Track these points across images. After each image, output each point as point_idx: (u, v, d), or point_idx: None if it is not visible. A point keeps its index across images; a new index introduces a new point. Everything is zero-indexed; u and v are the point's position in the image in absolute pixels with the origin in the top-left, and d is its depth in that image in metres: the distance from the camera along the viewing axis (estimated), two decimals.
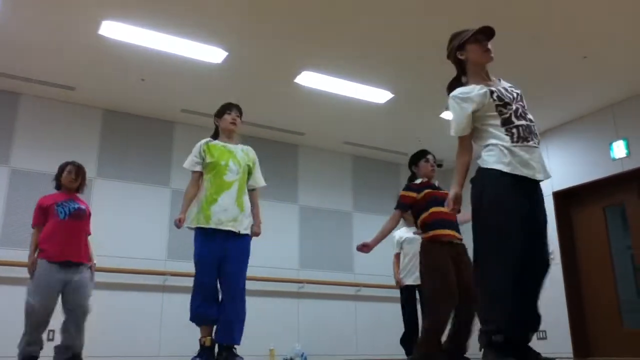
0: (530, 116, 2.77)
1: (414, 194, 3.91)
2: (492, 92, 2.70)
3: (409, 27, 4.72)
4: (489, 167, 2.70)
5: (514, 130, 2.68)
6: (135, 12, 4.52)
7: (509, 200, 2.63)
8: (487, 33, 2.78)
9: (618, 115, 6.14)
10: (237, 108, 4.03)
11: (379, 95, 5.93)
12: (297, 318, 6.66)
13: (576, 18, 4.60)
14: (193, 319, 3.64)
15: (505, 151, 2.68)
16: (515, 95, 2.78)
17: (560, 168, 6.69)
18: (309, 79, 5.58)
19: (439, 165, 7.52)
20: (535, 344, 2.76)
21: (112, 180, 6.10)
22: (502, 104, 2.69)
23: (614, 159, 6.10)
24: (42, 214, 4.12)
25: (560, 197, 6.69)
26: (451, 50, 2.91)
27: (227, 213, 3.64)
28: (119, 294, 5.76)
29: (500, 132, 2.69)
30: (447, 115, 6.35)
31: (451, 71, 3.03)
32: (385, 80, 5.67)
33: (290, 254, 6.87)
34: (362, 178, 7.66)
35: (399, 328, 5.12)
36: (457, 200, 2.75)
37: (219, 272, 3.62)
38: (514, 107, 2.70)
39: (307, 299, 6.75)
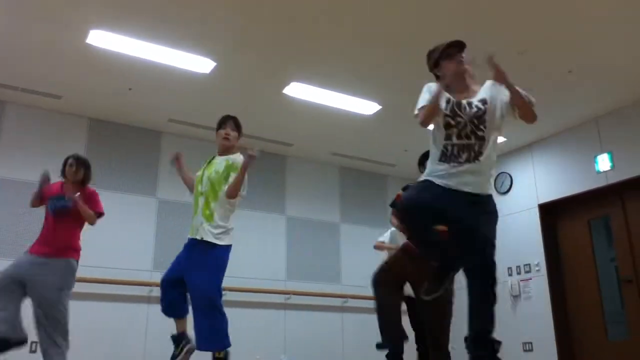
0: (482, 133, 2.79)
1: None
2: (448, 100, 2.83)
3: (397, 39, 4.76)
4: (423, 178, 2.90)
5: (449, 148, 2.80)
6: (123, 22, 4.51)
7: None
8: (457, 46, 2.88)
9: (602, 128, 6.21)
10: (232, 121, 3.98)
11: (367, 107, 5.95)
12: (284, 329, 6.62)
13: (561, 32, 4.66)
14: None
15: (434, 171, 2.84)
16: (479, 109, 2.80)
17: (545, 181, 6.76)
18: (298, 90, 5.59)
19: None
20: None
21: (98, 189, 5.97)
22: (452, 117, 2.79)
23: (599, 172, 6.17)
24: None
25: (545, 209, 6.74)
26: (430, 69, 3.05)
27: (195, 222, 3.76)
28: (103, 305, 5.69)
29: (438, 146, 2.84)
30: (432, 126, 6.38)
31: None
32: (373, 92, 5.70)
33: (277, 265, 6.84)
34: (350, 189, 7.67)
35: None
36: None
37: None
38: (462, 123, 2.78)
39: (293, 310, 6.72)
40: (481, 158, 2.78)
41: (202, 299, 3.57)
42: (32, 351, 4.74)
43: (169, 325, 3.90)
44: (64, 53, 4.93)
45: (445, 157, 2.80)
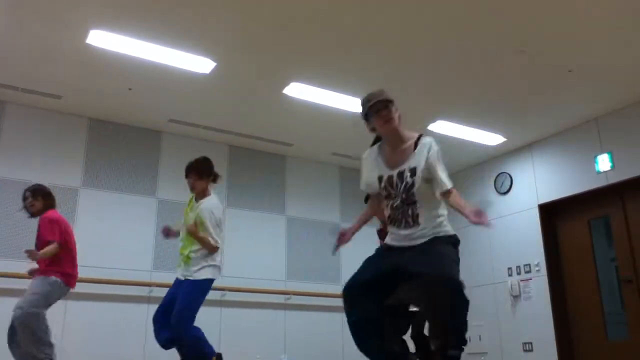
0: (414, 198, 2.83)
1: None
2: (380, 179, 2.94)
3: (397, 39, 4.76)
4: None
5: (393, 213, 2.90)
6: (123, 22, 4.51)
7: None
8: (380, 104, 2.87)
9: (603, 128, 6.21)
10: (193, 170, 4.25)
11: None
12: (284, 329, 6.62)
13: (561, 32, 4.66)
14: None
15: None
16: (407, 183, 2.84)
17: (545, 181, 6.75)
18: (298, 91, 5.59)
19: None
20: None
21: (98, 190, 6.05)
22: (387, 192, 2.92)
23: (599, 172, 6.17)
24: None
25: (546, 209, 6.74)
26: (362, 116, 3.03)
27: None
28: (103, 305, 5.69)
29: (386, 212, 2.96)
30: (432, 126, 6.39)
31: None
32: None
33: (277, 265, 6.84)
34: (350, 189, 7.65)
35: None
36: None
37: None
38: (395, 195, 2.88)
39: (293, 311, 6.72)
40: (420, 220, 2.83)
41: (176, 316, 3.98)
42: None
43: None
44: (64, 53, 4.93)
45: (391, 221, 2.92)
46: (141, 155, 6.39)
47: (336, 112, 6.00)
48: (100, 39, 4.68)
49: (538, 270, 6.63)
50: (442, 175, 2.84)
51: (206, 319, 6.34)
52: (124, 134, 6.35)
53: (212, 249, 4.05)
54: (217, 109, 6.08)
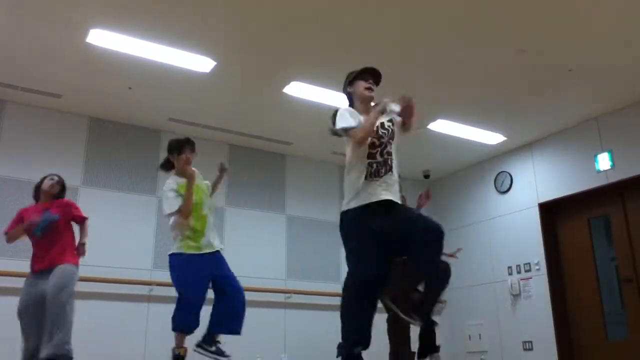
0: (389, 149, 3.17)
1: None
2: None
3: (397, 38, 4.76)
4: (343, 209, 3.19)
5: (374, 165, 3.10)
6: (123, 21, 4.51)
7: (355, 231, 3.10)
8: (371, 72, 3.28)
9: (603, 127, 6.21)
10: (193, 144, 4.40)
11: None
12: (284, 328, 6.62)
13: (561, 31, 4.66)
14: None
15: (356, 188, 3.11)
16: (389, 129, 3.20)
17: (545, 180, 6.76)
18: (298, 89, 5.59)
19: (426, 177, 7.70)
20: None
21: (98, 188, 6.05)
22: (377, 137, 3.13)
23: (599, 171, 6.17)
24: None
25: (546, 208, 6.74)
26: (344, 86, 3.40)
27: (206, 238, 4.27)
28: (104, 304, 5.69)
29: (362, 166, 3.11)
30: (432, 125, 6.39)
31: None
32: None
33: (277, 264, 6.84)
34: None
35: (385, 339, 5.09)
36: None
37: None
38: (384, 143, 3.14)
39: (294, 310, 6.73)
40: (393, 169, 3.15)
41: (240, 290, 4.20)
42: None
43: (169, 324, 3.92)
44: (64, 52, 4.93)
45: (369, 175, 3.09)
46: (141, 154, 6.39)
47: None
48: (101, 38, 4.68)
49: (538, 270, 6.63)
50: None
51: (206, 318, 6.35)
52: (124, 133, 6.35)
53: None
54: (217, 108, 6.08)
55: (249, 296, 6.43)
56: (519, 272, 6.83)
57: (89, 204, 5.91)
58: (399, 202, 3.15)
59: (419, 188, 8.10)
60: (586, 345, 6.25)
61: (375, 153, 3.12)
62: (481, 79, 5.42)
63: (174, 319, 3.95)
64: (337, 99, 5.76)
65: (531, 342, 6.50)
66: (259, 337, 6.33)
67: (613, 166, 6.04)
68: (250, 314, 6.50)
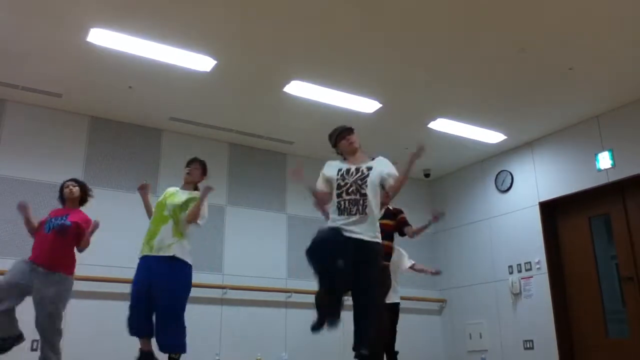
0: (364, 190, 3.51)
1: None
2: (339, 171, 3.67)
3: (396, 38, 4.76)
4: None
5: (342, 203, 3.53)
6: (123, 20, 4.51)
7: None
8: (346, 130, 3.82)
9: (603, 126, 6.21)
10: (200, 162, 4.59)
11: (367, 105, 5.95)
12: (285, 328, 6.63)
13: (562, 29, 4.66)
14: None
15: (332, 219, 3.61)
16: (363, 172, 3.58)
17: (546, 179, 6.75)
18: (298, 89, 5.59)
19: (426, 176, 7.72)
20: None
21: (99, 188, 6.02)
22: (341, 179, 3.59)
23: (599, 170, 6.17)
24: None
25: (546, 207, 6.74)
26: (332, 146, 3.92)
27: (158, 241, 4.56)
28: (104, 303, 5.69)
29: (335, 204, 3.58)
30: (434, 125, 6.39)
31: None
32: (373, 90, 5.70)
33: (278, 263, 6.84)
34: None
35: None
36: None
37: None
38: (349, 182, 3.55)
39: (294, 309, 6.73)
40: (367, 211, 3.47)
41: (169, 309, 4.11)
42: (34, 349, 4.74)
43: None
44: (64, 51, 4.93)
45: (340, 211, 3.53)
46: (142, 153, 6.39)
47: (337, 110, 5.99)
48: (101, 37, 4.68)
49: (539, 268, 6.63)
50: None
51: (207, 317, 6.38)
52: (125, 132, 6.34)
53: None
54: (217, 107, 6.08)
55: (250, 295, 6.51)
56: (519, 271, 6.83)
57: (89, 203, 5.92)
58: (373, 240, 3.48)
59: (419, 188, 8.12)
60: (587, 343, 6.25)
61: (342, 192, 3.55)
62: (482, 77, 5.42)
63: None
64: (337, 97, 5.77)
65: (532, 341, 6.50)
66: (260, 336, 6.34)
67: (614, 165, 6.04)
68: (250, 313, 6.56)
